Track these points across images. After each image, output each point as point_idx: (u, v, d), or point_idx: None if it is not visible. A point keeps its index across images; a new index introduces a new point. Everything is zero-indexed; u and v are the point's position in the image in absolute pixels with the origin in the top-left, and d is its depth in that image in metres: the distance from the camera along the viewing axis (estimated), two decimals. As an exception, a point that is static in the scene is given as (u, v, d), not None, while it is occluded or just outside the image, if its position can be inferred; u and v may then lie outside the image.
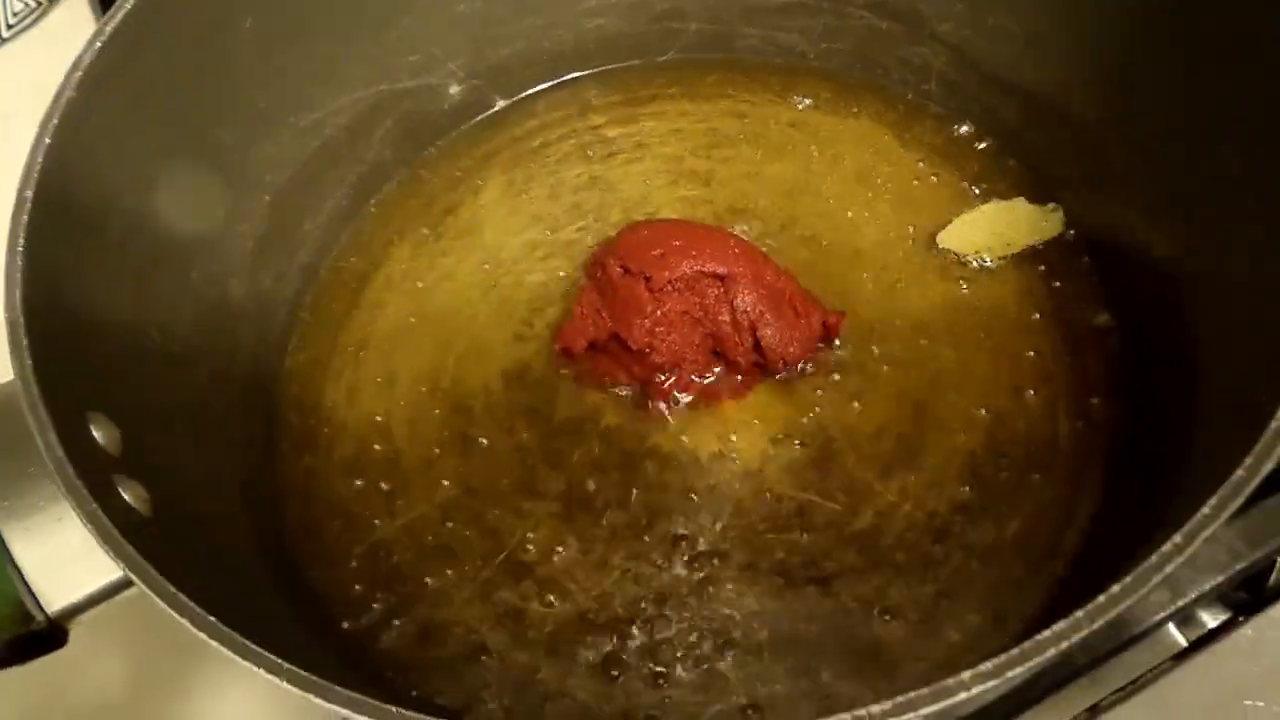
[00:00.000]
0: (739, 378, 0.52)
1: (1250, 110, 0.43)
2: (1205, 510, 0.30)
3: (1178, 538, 0.29)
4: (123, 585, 0.37)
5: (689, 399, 0.51)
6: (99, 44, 0.43)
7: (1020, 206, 0.56)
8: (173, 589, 0.31)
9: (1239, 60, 0.44)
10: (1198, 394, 0.43)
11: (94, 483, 0.34)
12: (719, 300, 0.50)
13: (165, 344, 0.46)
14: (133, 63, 0.44)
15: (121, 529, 0.33)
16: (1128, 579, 0.29)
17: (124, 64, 0.44)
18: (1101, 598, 0.29)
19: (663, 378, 0.51)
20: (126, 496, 0.36)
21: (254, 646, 0.30)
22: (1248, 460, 0.30)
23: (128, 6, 0.44)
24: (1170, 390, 0.45)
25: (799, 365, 0.52)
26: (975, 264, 0.54)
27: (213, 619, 0.30)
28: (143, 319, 0.45)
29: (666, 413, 0.51)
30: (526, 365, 0.54)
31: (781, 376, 0.52)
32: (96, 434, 0.38)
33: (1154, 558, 0.29)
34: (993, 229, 0.55)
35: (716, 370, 0.52)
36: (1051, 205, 0.55)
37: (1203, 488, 0.32)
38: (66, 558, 0.36)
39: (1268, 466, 0.30)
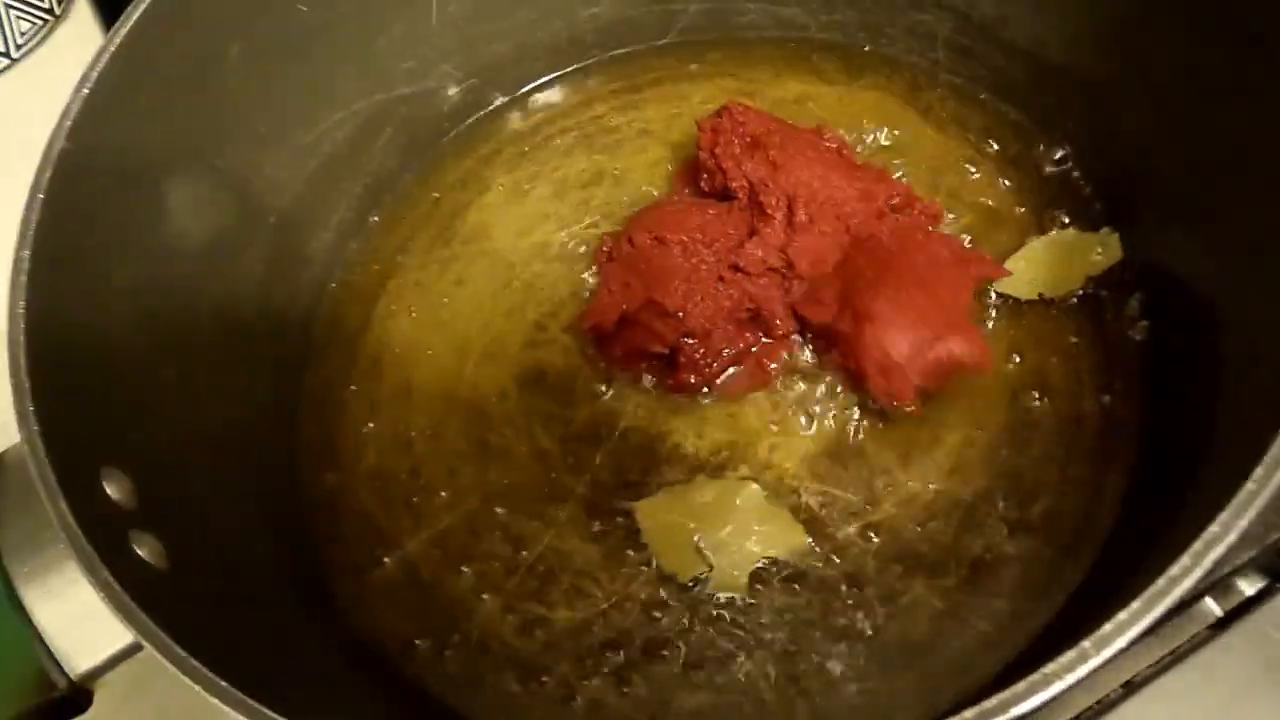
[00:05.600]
0: (766, 360, 0.51)
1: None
2: (1214, 528, 0.29)
3: (1185, 559, 0.29)
4: (145, 643, 0.37)
5: (708, 397, 0.51)
6: (85, 92, 0.42)
7: (1072, 238, 0.52)
8: (184, 654, 0.31)
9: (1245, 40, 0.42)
10: (1221, 392, 0.41)
11: (107, 545, 0.34)
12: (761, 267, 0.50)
13: (180, 380, 0.46)
14: (123, 107, 0.44)
15: (136, 592, 0.33)
16: (1135, 604, 0.28)
17: (114, 109, 0.44)
18: (1108, 625, 0.28)
19: (693, 343, 0.50)
20: (142, 553, 0.37)
21: (263, 709, 0.30)
22: (1257, 471, 0.29)
23: (111, 50, 0.43)
24: (1194, 387, 0.44)
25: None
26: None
27: (224, 684, 0.31)
28: (156, 358, 0.45)
29: (692, 380, 0.50)
30: (543, 368, 0.54)
31: (798, 365, 0.51)
32: (110, 490, 0.38)
33: (1161, 581, 0.28)
34: (1049, 266, 0.51)
35: (744, 342, 0.51)
36: (1106, 229, 0.51)
37: (1220, 485, 0.31)
38: (87, 617, 0.36)
39: (1277, 478, 0.29)
